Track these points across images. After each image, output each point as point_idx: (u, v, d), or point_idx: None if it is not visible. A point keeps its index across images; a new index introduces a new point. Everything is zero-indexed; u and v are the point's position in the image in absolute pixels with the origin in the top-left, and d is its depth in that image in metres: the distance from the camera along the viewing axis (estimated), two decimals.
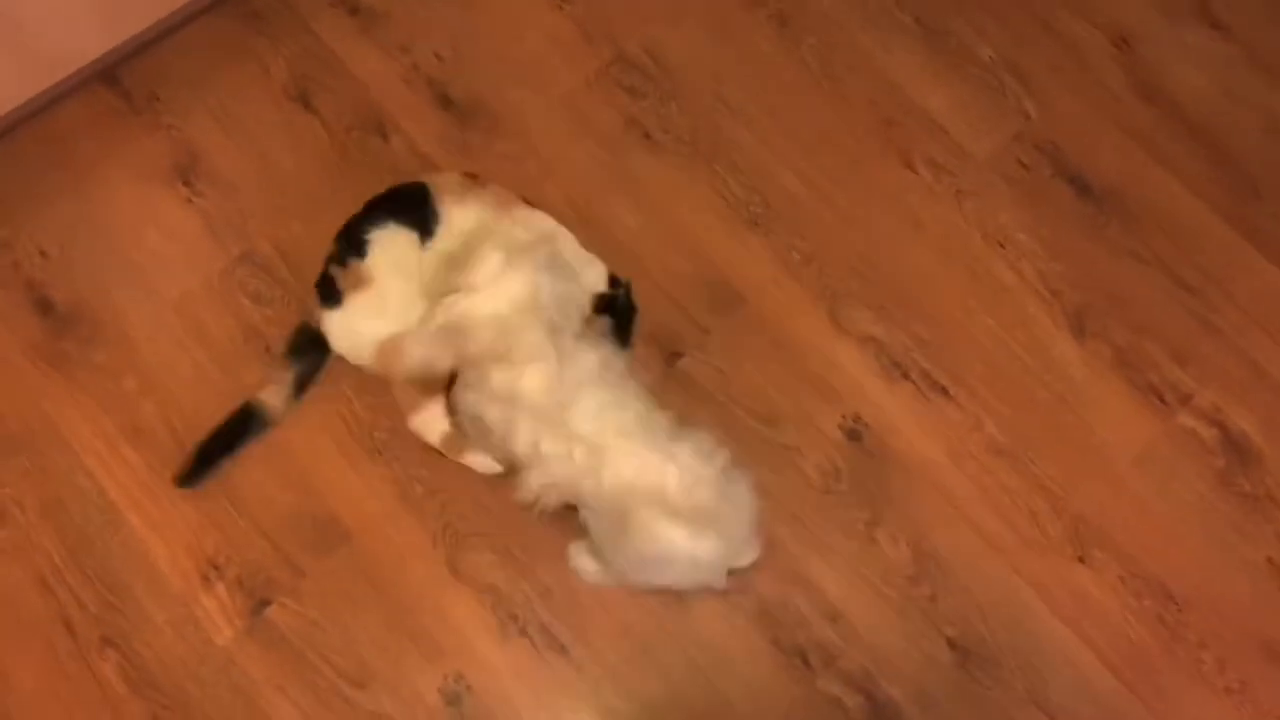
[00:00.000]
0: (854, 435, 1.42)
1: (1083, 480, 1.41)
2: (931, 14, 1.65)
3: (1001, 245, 1.52)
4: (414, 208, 1.39)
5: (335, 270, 1.38)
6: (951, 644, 1.33)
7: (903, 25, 1.64)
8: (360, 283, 1.36)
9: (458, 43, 1.62)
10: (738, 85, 1.60)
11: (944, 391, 1.44)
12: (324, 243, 1.40)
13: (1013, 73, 1.62)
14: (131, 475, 1.39)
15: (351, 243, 1.38)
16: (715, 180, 1.55)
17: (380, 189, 1.42)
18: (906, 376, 1.45)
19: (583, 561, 1.33)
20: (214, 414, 1.39)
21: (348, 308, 1.37)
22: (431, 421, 1.36)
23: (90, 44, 1.51)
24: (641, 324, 1.44)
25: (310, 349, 1.40)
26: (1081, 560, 1.37)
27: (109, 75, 1.59)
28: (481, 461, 1.36)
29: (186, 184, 1.53)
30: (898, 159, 1.57)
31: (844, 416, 1.43)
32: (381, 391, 1.40)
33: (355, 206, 1.41)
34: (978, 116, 1.59)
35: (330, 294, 1.37)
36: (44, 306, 1.47)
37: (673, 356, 1.45)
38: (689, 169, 1.56)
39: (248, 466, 1.39)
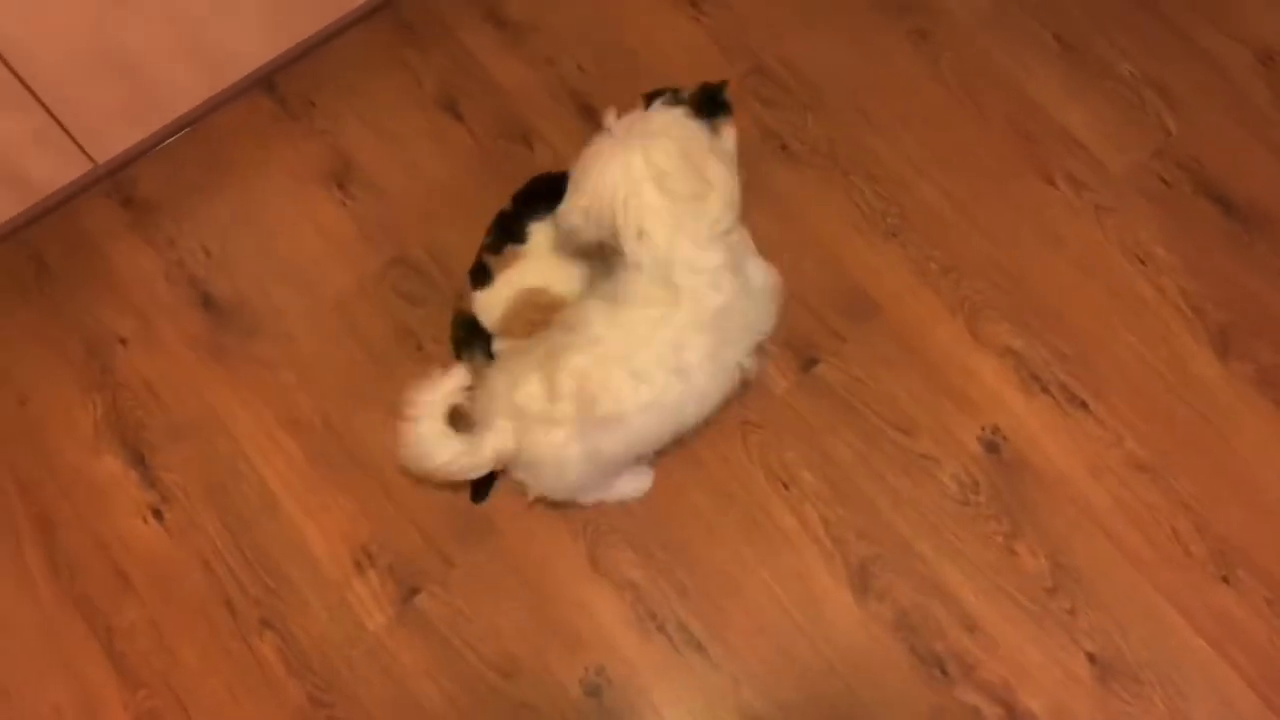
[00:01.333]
0: (992, 447, 1.42)
1: (1226, 500, 1.39)
2: (1071, 30, 1.65)
3: (1142, 261, 1.51)
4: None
5: (489, 259, 1.36)
6: (1091, 658, 1.33)
7: (1041, 41, 1.64)
8: (514, 260, 1.35)
9: (600, 55, 1.66)
10: (875, 98, 1.62)
11: (1084, 406, 1.44)
12: (473, 247, 1.43)
13: (1154, 88, 1.61)
14: (289, 464, 1.45)
15: (509, 232, 1.37)
16: (852, 191, 1.57)
17: None
18: (1046, 390, 1.45)
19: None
20: (367, 409, 1.45)
21: (498, 282, 1.35)
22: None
23: (253, 52, 1.58)
24: (777, 330, 1.45)
25: (474, 336, 1.38)
26: (1225, 581, 1.36)
27: (268, 82, 1.66)
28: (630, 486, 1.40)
29: (340, 188, 1.60)
30: (1036, 174, 1.57)
31: (982, 428, 1.43)
32: None
33: None
34: (1117, 132, 1.59)
35: (482, 278, 1.36)
36: (206, 301, 1.55)
37: (809, 363, 1.47)
38: (825, 179, 1.58)
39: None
